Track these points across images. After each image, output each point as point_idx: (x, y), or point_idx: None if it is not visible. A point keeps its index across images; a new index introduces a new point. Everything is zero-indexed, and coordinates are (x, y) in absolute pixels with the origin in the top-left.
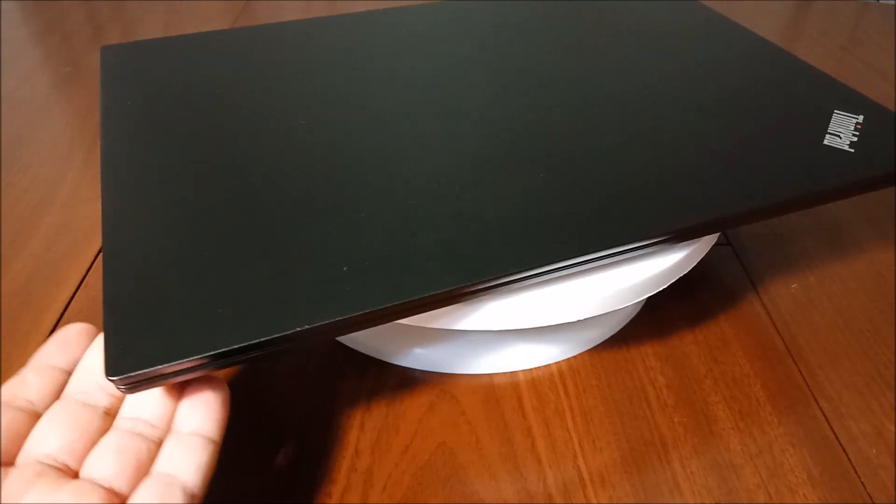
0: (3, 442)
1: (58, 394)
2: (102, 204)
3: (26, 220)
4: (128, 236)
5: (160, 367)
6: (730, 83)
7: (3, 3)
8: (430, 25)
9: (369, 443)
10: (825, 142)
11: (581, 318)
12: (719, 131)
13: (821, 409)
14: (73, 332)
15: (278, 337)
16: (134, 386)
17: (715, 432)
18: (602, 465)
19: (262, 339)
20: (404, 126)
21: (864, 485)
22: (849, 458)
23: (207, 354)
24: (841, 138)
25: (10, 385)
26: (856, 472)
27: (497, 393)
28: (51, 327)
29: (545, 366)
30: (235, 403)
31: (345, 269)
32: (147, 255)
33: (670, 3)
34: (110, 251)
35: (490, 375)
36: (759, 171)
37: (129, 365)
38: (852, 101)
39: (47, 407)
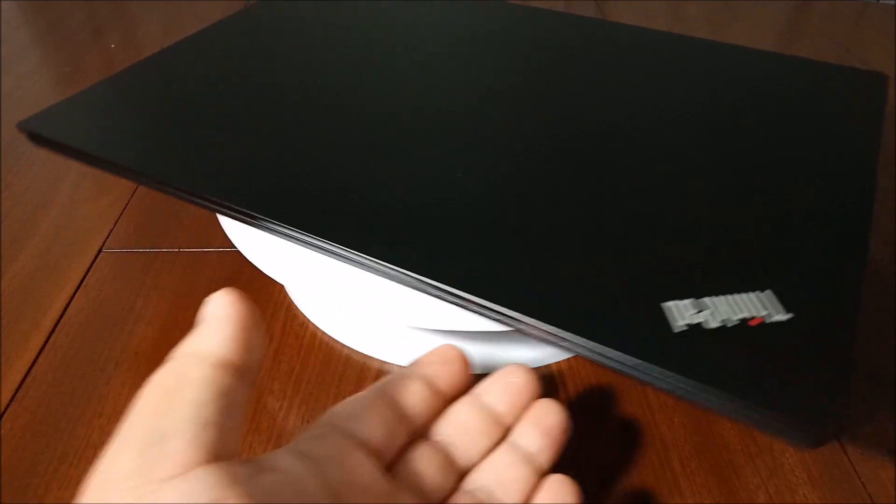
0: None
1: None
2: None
3: (26, 221)
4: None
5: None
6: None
7: (3, 2)
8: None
9: None
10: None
11: None
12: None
13: None
14: (451, 354)
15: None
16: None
17: (715, 432)
18: (602, 465)
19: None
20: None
21: (864, 485)
22: (849, 458)
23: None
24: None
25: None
26: (856, 472)
27: None
28: (51, 327)
29: (545, 366)
30: None
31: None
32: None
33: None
34: None
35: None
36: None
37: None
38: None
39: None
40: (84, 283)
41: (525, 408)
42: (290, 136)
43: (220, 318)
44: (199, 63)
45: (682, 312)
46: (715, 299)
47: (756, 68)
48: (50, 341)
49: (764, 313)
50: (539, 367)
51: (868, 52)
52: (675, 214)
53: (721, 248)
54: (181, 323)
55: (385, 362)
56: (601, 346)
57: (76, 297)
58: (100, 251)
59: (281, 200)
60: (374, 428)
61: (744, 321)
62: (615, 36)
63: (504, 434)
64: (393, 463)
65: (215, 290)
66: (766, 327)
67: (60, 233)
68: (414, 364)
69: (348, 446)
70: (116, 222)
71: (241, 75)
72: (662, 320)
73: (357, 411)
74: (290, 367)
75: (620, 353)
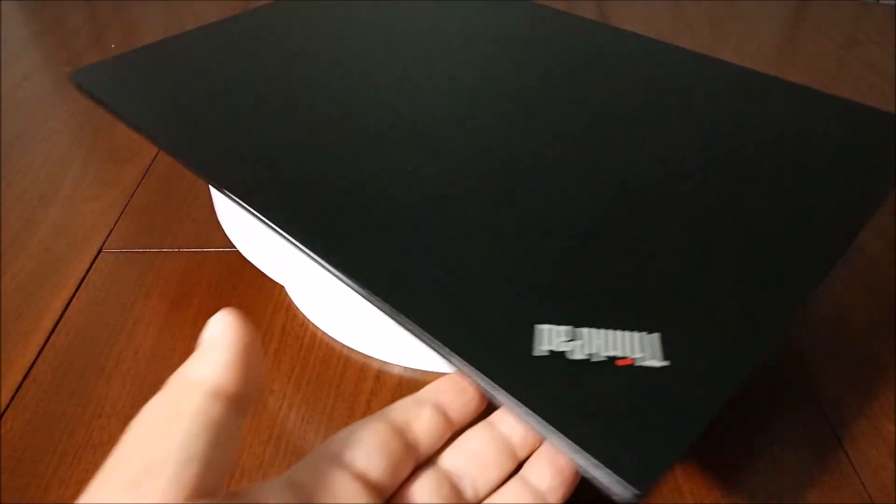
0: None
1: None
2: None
3: (27, 220)
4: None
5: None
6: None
7: (3, 2)
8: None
9: None
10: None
11: None
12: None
13: (821, 408)
14: (465, 382)
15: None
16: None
17: (716, 432)
18: None
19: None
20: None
21: (864, 485)
22: (849, 458)
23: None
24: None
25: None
26: (856, 473)
27: None
28: (51, 328)
29: None
30: None
31: None
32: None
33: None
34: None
35: None
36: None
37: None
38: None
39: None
40: (84, 283)
41: (540, 440)
42: (305, 138)
43: (217, 343)
44: (234, 47)
45: (550, 337)
46: (594, 331)
47: (754, 92)
48: (50, 341)
49: (637, 355)
50: None
51: (868, 52)
52: (595, 241)
53: (635, 281)
54: (181, 324)
55: (385, 362)
56: (457, 355)
57: (76, 297)
58: (100, 251)
59: (279, 202)
60: (375, 458)
61: (612, 359)
62: (615, 45)
63: (516, 467)
64: (397, 492)
65: (215, 290)
66: (633, 370)
67: (60, 233)
68: (426, 390)
69: (343, 477)
70: (116, 222)
71: (277, 65)
72: (529, 342)
73: (358, 439)
74: (290, 367)
75: (469, 366)
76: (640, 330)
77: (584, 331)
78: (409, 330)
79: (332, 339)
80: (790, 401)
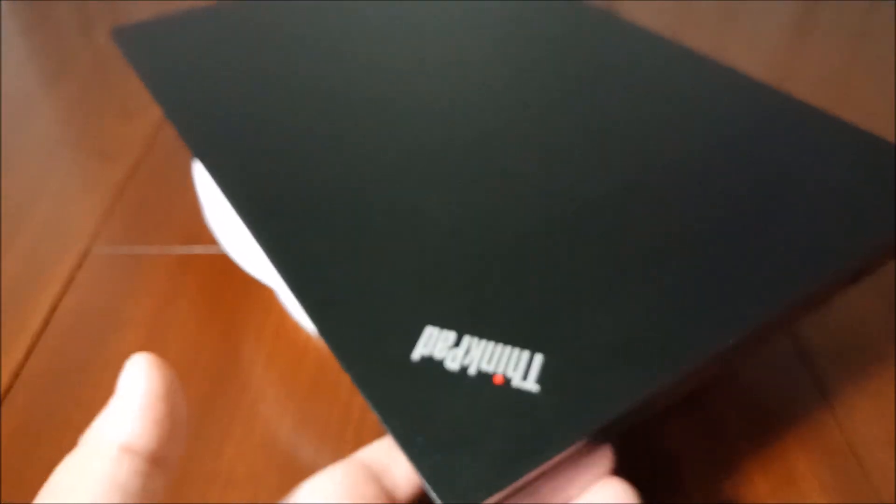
0: None
1: None
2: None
3: (13, 218)
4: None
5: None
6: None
7: None
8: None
9: (370, 440)
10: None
11: None
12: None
13: (833, 414)
14: None
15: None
16: None
17: (727, 438)
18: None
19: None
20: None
21: (877, 492)
22: (861, 464)
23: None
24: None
25: None
26: (868, 480)
27: None
28: (39, 329)
29: None
30: (223, 413)
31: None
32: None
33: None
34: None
35: None
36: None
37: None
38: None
39: None
40: (72, 283)
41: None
42: (307, 147)
43: (128, 393)
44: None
45: (434, 341)
46: (480, 342)
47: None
48: (38, 343)
49: (510, 375)
50: None
51: (875, 51)
52: (523, 250)
53: (547, 297)
54: (171, 324)
55: None
56: (338, 349)
57: (64, 298)
58: (88, 251)
59: (269, 219)
60: None
61: (485, 374)
62: (612, 37)
63: None
64: None
65: (205, 291)
66: (504, 390)
67: (48, 232)
68: None
69: None
70: (105, 222)
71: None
72: (413, 344)
73: (329, 487)
74: (283, 372)
75: (346, 365)
76: (531, 349)
77: (469, 339)
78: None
79: (325, 343)
80: (800, 403)
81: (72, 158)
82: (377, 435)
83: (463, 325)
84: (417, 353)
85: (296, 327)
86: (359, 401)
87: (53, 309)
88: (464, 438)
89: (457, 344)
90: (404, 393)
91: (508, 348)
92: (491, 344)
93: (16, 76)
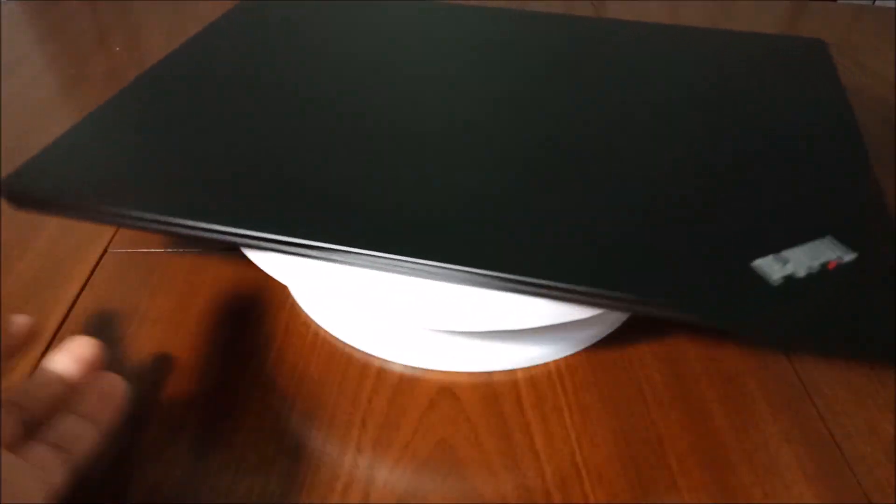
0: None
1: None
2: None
3: (31, 219)
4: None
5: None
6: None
7: (8, 4)
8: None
9: (370, 440)
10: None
11: (581, 318)
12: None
13: (815, 406)
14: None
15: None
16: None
17: (711, 429)
18: (599, 461)
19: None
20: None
21: (859, 482)
22: (844, 456)
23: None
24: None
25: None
26: (851, 470)
27: (496, 390)
28: (56, 327)
29: (543, 364)
30: (235, 405)
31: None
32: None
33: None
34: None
35: (489, 373)
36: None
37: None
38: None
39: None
40: (89, 282)
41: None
42: (279, 140)
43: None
44: (185, 78)
45: (771, 268)
46: (791, 252)
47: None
48: (55, 341)
49: (835, 256)
50: (537, 365)
51: (863, 54)
52: (725, 189)
53: (770, 209)
54: (186, 323)
55: (386, 360)
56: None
57: (81, 296)
58: (105, 251)
59: (288, 214)
60: None
61: (823, 266)
62: (596, 32)
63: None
64: None
65: (220, 290)
66: (841, 269)
67: (66, 233)
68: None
69: None
70: None
71: (226, 83)
72: (755, 279)
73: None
74: (293, 365)
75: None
76: (820, 236)
77: (786, 253)
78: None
79: (335, 337)
80: (785, 399)
81: None
82: (383, 422)
83: (773, 247)
84: (777, 280)
85: (306, 322)
86: (366, 391)
87: (71, 307)
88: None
89: (784, 262)
90: (809, 309)
91: (809, 244)
92: (799, 248)
93: (34, 84)
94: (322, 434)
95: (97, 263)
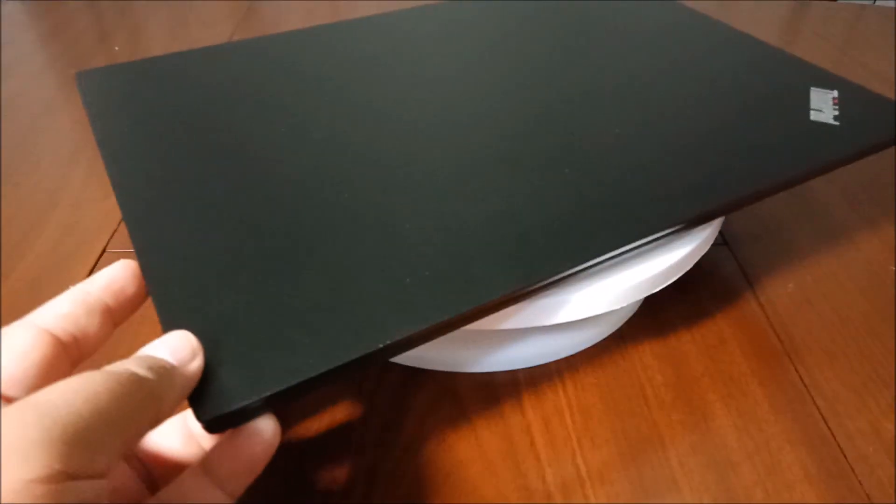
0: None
1: None
2: (130, 233)
3: (33, 220)
4: (170, 262)
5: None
6: (711, 75)
7: (9, 3)
8: (427, 28)
9: (372, 441)
10: (811, 118)
11: (581, 317)
12: (711, 121)
13: (817, 406)
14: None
15: (364, 355)
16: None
17: (712, 430)
18: (601, 462)
19: (347, 361)
20: (418, 131)
21: (861, 483)
22: (845, 456)
23: (296, 382)
24: (824, 113)
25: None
26: (853, 470)
27: (497, 391)
28: None
29: (544, 364)
30: None
31: (407, 280)
32: (198, 282)
33: (651, 3)
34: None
35: (490, 374)
36: (758, 151)
37: (218, 403)
38: (825, 79)
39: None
40: None
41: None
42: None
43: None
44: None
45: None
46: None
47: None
48: None
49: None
50: (538, 366)
51: (865, 54)
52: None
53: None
54: None
55: (388, 361)
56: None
57: None
58: (104, 251)
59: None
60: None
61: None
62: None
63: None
64: None
65: None
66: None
67: (67, 233)
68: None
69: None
70: (120, 223)
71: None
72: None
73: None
74: None
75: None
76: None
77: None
78: None
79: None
80: (786, 399)
81: (91, 162)
82: (381, 423)
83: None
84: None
85: None
86: (366, 392)
87: None
88: None
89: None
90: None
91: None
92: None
93: (36, 83)
94: (323, 435)
95: (95, 264)
